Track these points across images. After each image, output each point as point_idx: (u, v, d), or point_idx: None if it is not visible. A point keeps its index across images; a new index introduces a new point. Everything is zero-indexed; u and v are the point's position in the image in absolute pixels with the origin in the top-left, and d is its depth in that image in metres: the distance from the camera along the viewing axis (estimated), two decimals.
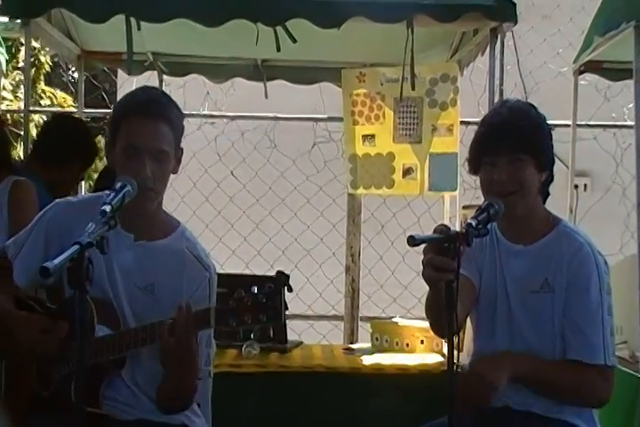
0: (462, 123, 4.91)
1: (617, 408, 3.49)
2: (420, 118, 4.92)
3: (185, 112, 2.72)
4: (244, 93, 6.24)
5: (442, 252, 2.34)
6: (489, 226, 2.55)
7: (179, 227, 2.74)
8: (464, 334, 2.95)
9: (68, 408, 2.43)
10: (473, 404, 2.59)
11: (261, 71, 5.46)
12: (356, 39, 4.67)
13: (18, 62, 9.32)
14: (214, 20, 4.02)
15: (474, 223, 2.43)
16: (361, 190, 5.29)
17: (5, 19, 4.40)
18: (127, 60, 4.38)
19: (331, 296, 6.61)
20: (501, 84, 4.28)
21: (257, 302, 2.36)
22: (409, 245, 2.27)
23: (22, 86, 8.04)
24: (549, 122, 2.85)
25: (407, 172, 5.01)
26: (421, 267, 2.39)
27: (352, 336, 5.55)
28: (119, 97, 3.01)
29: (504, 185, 2.69)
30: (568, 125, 5.12)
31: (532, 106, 2.83)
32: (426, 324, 4.43)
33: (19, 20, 4.24)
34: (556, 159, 2.85)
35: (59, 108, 10.54)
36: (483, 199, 2.67)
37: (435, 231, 2.38)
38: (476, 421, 2.69)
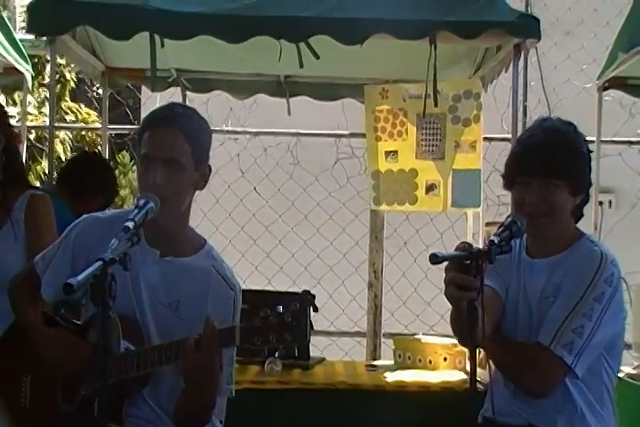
0: (485, 139, 4.90)
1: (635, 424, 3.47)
2: (443, 135, 4.91)
3: (210, 130, 2.72)
4: (267, 110, 6.26)
5: (464, 270, 2.33)
6: (512, 243, 2.54)
7: (205, 245, 2.73)
8: None
9: (91, 425, 2.43)
10: None
11: (284, 87, 5.48)
12: (379, 55, 4.68)
13: (43, 79, 9.43)
14: (237, 36, 4.04)
15: (496, 240, 2.42)
16: (384, 207, 5.29)
17: (31, 36, 4.44)
18: (151, 77, 4.41)
19: (353, 312, 6.59)
20: (525, 100, 4.27)
21: (282, 322, 2.36)
22: (431, 262, 2.26)
23: (47, 103, 8.11)
24: None
25: (430, 188, 5.01)
26: (444, 283, 2.38)
27: (375, 353, 5.54)
28: (143, 113, 3.03)
29: (535, 207, 2.68)
30: (592, 142, 5.08)
31: (572, 126, 2.78)
32: (449, 341, 4.45)
33: (44, 38, 4.28)
34: None
35: (83, 124, 10.63)
36: (506, 216, 2.66)
37: (457, 249, 2.37)
38: None
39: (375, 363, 4.83)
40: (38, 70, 8.65)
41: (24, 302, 2.75)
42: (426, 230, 6.70)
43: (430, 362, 4.48)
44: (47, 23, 4.11)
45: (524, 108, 4.25)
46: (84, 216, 2.76)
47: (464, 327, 2.36)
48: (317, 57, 4.08)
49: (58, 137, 9.52)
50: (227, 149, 6.73)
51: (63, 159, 10.54)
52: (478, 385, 2.35)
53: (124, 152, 14.54)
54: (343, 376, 4.34)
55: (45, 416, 2.70)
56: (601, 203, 5.50)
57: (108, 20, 4.07)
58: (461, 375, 4.29)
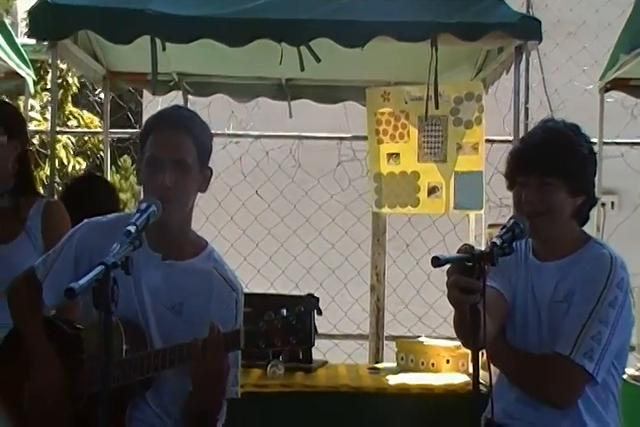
0: (487, 141, 4.90)
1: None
2: (445, 137, 4.91)
3: (211, 133, 2.74)
4: (269, 113, 6.26)
5: (466, 272, 2.32)
6: (515, 245, 2.53)
7: (207, 247, 2.73)
8: None
9: None
10: None
11: (286, 90, 5.48)
12: (381, 58, 4.68)
13: (46, 83, 9.40)
14: (238, 40, 4.04)
15: (498, 242, 2.41)
16: (386, 209, 5.29)
17: (33, 41, 4.45)
18: (152, 81, 4.41)
19: (356, 315, 6.58)
20: (527, 102, 4.27)
21: (287, 325, 2.36)
22: (433, 265, 2.25)
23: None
24: None
25: (432, 190, 5.00)
26: (446, 286, 2.37)
27: (377, 355, 5.53)
28: (145, 117, 3.03)
29: (531, 206, 2.67)
30: (594, 143, 5.04)
31: (575, 127, 2.77)
32: (451, 343, 4.45)
33: (46, 42, 4.29)
34: None
35: (85, 129, 10.63)
36: (508, 217, 2.65)
37: (459, 251, 2.36)
38: None
39: (378, 366, 4.83)
40: (41, 75, 8.65)
41: (23, 309, 2.75)
42: (428, 233, 6.70)
43: (433, 365, 4.47)
44: (48, 28, 4.11)
45: (526, 109, 4.25)
46: (86, 220, 2.75)
47: (467, 330, 2.35)
48: (319, 60, 4.08)
49: (60, 142, 9.52)
50: (228, 152, 6.74)
51: (65, 164, 10.53)
52: (481, 387, 2.34)
53: (126, 156, 14.56)
54: (346, 379, 4.34)
55: (47, 421, 2.70)
56: (603, 204, 5.51)
57: (109, 25, 4.07)
58: (464, 378, 4.28)
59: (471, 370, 2.33)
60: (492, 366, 2.55)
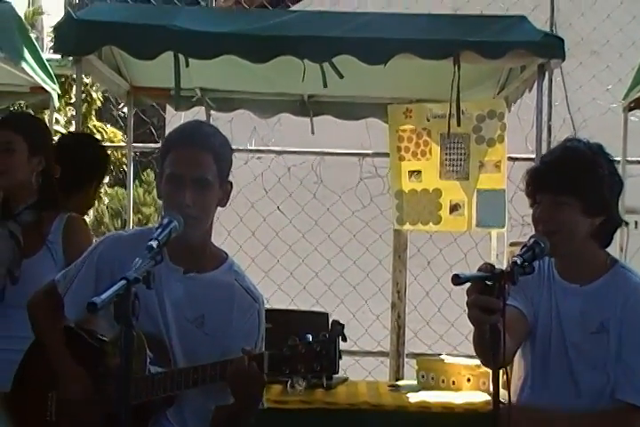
0: (510, 159, 4.89)
1: None
2: (468, 155, 4.91)
3: (232, 147, 2.74)
4: (291, 129, 6.28)
5: (486, 291, 2.31)
6: (536, 264, 2.52)
7: (227, 259, 2.74)
8: (512, 371, 2.90)
9: None
10: None
11: (308, 107, 5.49)
12: (403, 75, 4.68)
13: (70, 98, 9.49)
14: (261, 56, 4.06)
15: (519, 261, 2.40)
16: (407, 226, 5.28)
17: (58, 56, 4.48)
18: (175, 96, 4.44)
19: (376, 332, 6.56)
20: (549, 120, 4.27)
21: (311, 351, 2.37)
22: (453, 283, 2.24)
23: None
24: None
25: (454, 208, 5.00)
26: (466, 305, 2.36)
27: (398, 373, 5.50)
28: (167, 132, 3.04)
29: (545, 224, 2.65)
30: (618, 162, 5.03)
31: (598, 147, 2.73)
32: (473, 361, 4.42)
33: (71, 58, 4.32)
34: None
35: (109, 143, 10.69)
36: (529, 236, 2.64)
37: (479, 270, 2.35)
38: None
39: (398, 383, 4.80)
40: (65, 90, 8.72)
41: (45, 323, 2.77)
42: (449, 250, 6.68)
43: (454, 383, 4.44)
44: (73, 43, 4.15)
45: (549, 127, 4.26)
46: (107, 234, 2.78)
47: (486, 349, 2.34)
48: (341, 77, 4.09)
49: None
50: (250, 167, 6.76)
51: None
52: (501, 407, 2.33)
53: (149, 170, 14.63)
54: (366, 396, 4.32)
55: None
56: (627, 223, 5.43)
57: (133, 40, 4.11)
58: (485, 397, 4.25)
59: (492, 389, 2.31)
60: (512, 384, 2.54)
